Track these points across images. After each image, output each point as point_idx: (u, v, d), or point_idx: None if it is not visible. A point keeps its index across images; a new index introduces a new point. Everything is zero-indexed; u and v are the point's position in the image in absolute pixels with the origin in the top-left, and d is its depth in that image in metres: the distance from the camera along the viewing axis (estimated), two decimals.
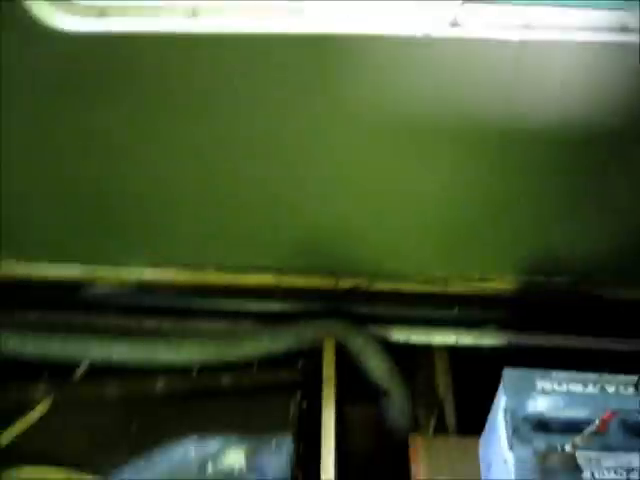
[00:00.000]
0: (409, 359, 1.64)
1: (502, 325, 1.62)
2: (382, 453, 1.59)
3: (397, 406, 1.56)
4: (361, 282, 1.62)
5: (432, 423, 1.61)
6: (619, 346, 1.58)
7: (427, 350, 1.65)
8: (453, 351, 1.64)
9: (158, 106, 1.37)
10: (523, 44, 1.25)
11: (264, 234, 1.57)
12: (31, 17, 1.21)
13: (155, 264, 1.63)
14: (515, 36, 1.24)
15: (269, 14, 1.23)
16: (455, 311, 1.61)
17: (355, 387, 1.59)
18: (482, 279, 1.60)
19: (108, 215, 1.57)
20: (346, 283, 1.62)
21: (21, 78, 1.31)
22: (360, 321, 1.60)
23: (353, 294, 1.62)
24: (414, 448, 1.43)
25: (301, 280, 1.62)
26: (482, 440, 1.38)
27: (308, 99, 1.35)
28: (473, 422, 1.43)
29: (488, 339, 1.61)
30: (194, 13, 1.25)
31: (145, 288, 1.64)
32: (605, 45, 1.26)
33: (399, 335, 1.62)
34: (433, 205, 1.51)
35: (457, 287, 1.60)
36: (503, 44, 1.25)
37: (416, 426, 1.61)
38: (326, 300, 1.62)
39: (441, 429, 1.59)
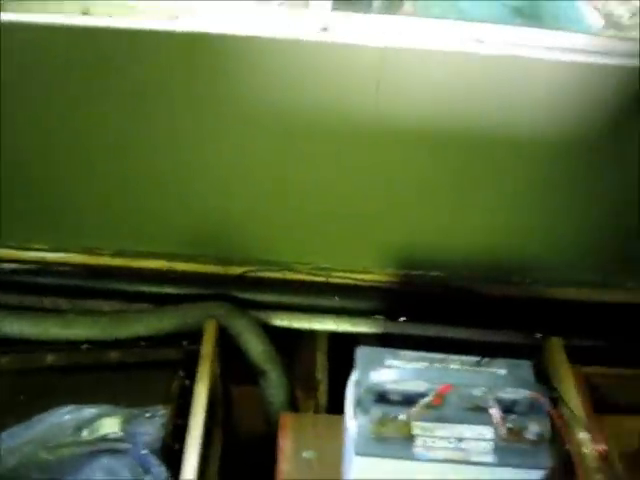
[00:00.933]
0: (293, 343, 1.75)
1: (381, 314, 1.72)
2: (262, 431, 1.68)
3: (274, 385, 1.65)
4: (249, 270, 1.72)
5: (312, 405, 1.71)
6: (487, 337, 1.69)
7: (309, 335, 1.76)
8: (333, 337, 1.75)
9: (58, 91, 1.47)
10: (388, 50, 1.37)
11: (159, 223, 1.68)
12: None
13: (55, 247, 1.72)
14: (379, 43, 1.37)
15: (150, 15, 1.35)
16: (335, 299, 1.72)
17: (241, 369, 1.69)
18: (363, 271, 1.72)
19: (10, 200, 1.64)
20: (235, 270, 1.73)
21: None
22: (246, 306, 1.69)
23: (241, 280, 1.72)
24: (283, 424, 1.52)
25: (193, 265, 1.73)
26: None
27: (193, 95, 1.46)
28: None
29: (365, 327, 1.72)
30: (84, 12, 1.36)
31: (44, 268, 1.72)
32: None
33: (281, 320, 1.72)
34: (319, 200, 1.62)
35: (339, 277, 1.72)
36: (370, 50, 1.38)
37: (296, 407, 1.71)
38: (216, 285, 1.72)
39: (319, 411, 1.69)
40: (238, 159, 1.56)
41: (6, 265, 1.71)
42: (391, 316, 1.71)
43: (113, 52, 1.39)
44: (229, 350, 1.65)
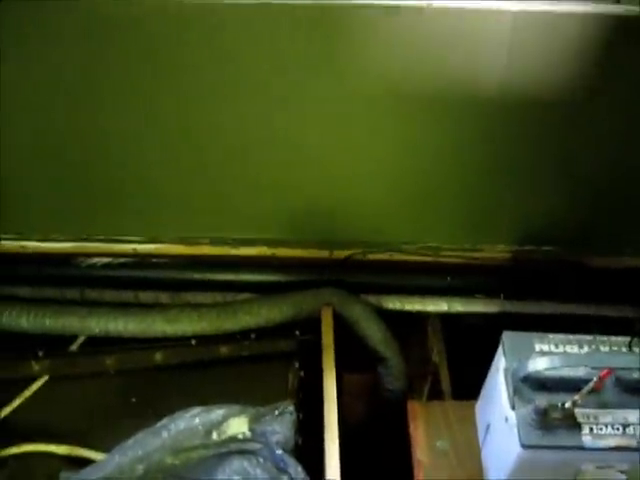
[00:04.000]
0: (403, 326, 1.68)
1: (492, 293, 1.66)
2: (380, 419, 1.62)
3: (394, 372, 1.59)
4: (355, 252, 1.64)
5: (426, 388, 1.65)
6: (606, 312, 1.63)
7: (420, 318, 1.69)
8: (446, 318, 1.68)
9: (140, 75, 1.37)
10: (518, 14, 1.28)
11: (257, 207, 1.59)
12: None
13: (149, 238, 1.64)
14: (511, 6, 1.28)
15: None
16: (447, 280, 1.65)
17: (352, 355, 1.62)
18: (473, 249, 1.64)
19: (99, 190, 1.57)
20: (341, 254, 1.65)
21: None
22: (355, 290, 1.62)
23: (348, 264, 1.64)
24: (412, 413, 1.46)
25: (296, 251, 1.65)
26: (479, 403, 1.42)
27: (300, 71, 1.36)
28: (466, 387, 1.47)
29: (479, 306, 1.65)
30: None
31: (139, 261, 1.64)
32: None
33: (393, 304, 1.65)
34: (426, 176, 1.53)
35: (449, 257, 1.64)
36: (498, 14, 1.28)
37: (411, 392, 1.65)
38: (321, 270, 1.64)
39: (434, 394, 1.63)
40: (340, 139, 1.47)
41: (97, 259, 1.63)
42: (503, 294, 1.65)
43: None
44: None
